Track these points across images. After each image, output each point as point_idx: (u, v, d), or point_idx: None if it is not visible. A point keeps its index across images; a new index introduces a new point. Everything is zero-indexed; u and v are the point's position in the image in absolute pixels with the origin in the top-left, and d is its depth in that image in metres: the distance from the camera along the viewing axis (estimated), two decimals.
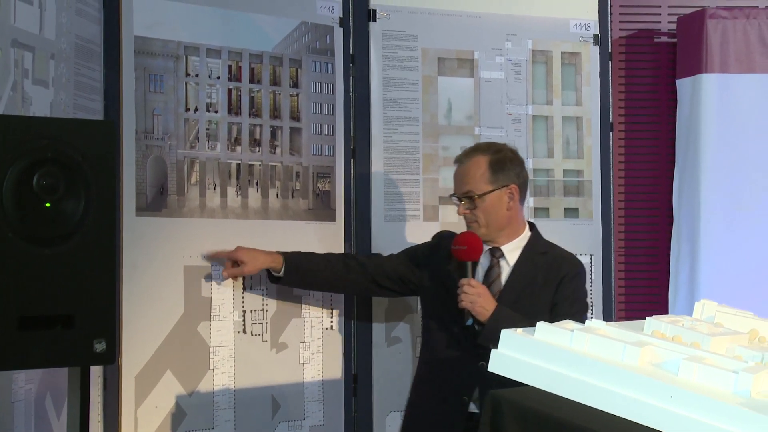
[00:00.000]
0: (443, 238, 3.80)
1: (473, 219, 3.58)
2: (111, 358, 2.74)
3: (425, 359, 3.81)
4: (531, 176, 4.48)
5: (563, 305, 3.52)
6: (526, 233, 3.66)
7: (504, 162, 3.60)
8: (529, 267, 3.58)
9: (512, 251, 3.62)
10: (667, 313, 4.67)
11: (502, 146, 3.69)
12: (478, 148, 3.67)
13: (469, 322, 3.48)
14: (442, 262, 3.69)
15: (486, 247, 3.61)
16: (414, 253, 3.91)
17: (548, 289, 3.57)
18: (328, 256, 3.98)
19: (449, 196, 3.72)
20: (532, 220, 3.87)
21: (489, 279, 3.60)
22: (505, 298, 3.50)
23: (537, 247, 3.65)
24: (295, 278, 3.91)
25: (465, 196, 3.58)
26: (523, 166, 3.68)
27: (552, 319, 3.57)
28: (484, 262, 3.64)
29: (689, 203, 4.68)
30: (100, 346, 2.68)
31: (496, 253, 3.62)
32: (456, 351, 3.60)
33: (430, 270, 3.76)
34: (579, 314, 3.60)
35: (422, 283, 3.80)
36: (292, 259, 3.87)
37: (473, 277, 3.53)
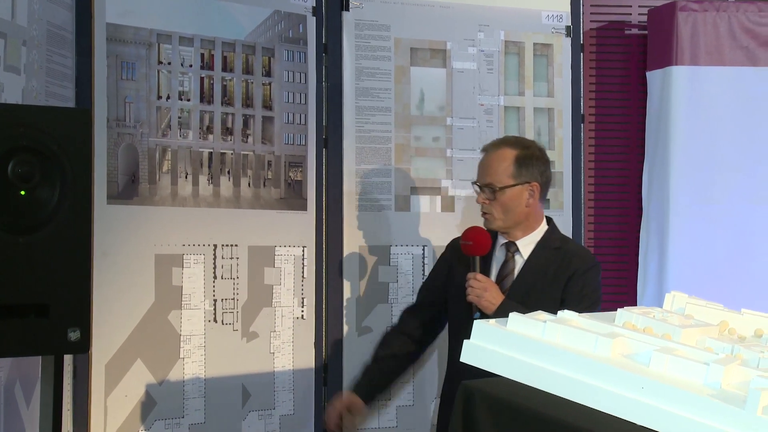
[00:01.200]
0: (454, 247, 3.78)
1: (489, 210, 3.56)
2: (85, 347, 2.74)
3: (449, 355, 3.75)
4: None
5: (570, 302, 3.43)
6: (542, 228, 3.62)
7: (530, 159, 3.55)
8: (541, 261, 3.55)
9: (527, 246, 3.58)
10: (636, 304, 4.69)
11: (530, 143, 3.65)
12: (506, 141, 3.62)
13: (477, 315, 3.47)
14: (458, 266, 3.68)
15: (502, 241, 3.61)
16: (434, 277, 3.83)
17: (557, 284, 3.53)
18: (388, 358, 3.75)
19: (471, 183, 3.63)
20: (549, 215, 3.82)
21: (503, 273, 3.58)
22: (514, 292, 3.48)
23: (551, 241, 3.60)
24: (382, 395, 3.91)
25: (486, 187, 3.56)
26: (548, 165, 3.62)
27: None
28: (499, 256, 3.63)
29: (658, 195, 4.70)
30: (74, 335, 2.67)
31: (511, 248, 3.60)
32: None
33: (453, 277, 3.69)
34: (587, 311, 3.59)
35: (449, 292, 3.73)
36: (368, 391, 3.73)
37: (481, 271, 3.52)
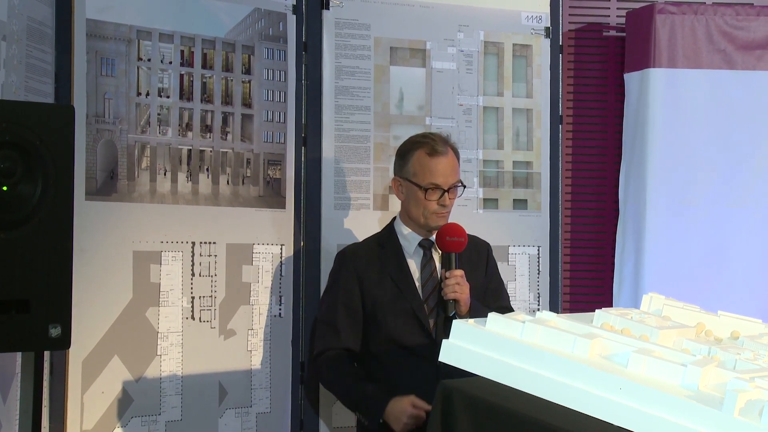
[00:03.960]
0: (356, 254, 3.78)
1: (448, 210, 3.61)
2: (66, 343, 2.73)
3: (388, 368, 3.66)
4: (481, 167, 4.54)
5: (497, 288, 3.78)
6: None
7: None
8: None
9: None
10: (612, 305, 4.72)
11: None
12: (444, 139, 3.68)
13: (452, 313, 3.48)
14: (378, 273, 3.69)
15: (416, 240, 3.66)
16: (347, 293, 3.73)
17: (478, 271, 3.72)
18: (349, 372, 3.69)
19: (431, 187, 3.58)
20: None
21: (428, 271, 3.63)
22: None
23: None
24: None
25: (456, 186, 3.62)
26: None
27: (492, 298, 3.68)
28: (417, 254, 3.67)
29: (635, 197, 4.72)
30: (55, 331, 2.67)
31: (425, 244, 3.66)
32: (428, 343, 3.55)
33: (376, 282, 3.68)
34: (506, 291, 3.90)
35: (372, 299, 3.68)
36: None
37: (406, 271, 3.60)
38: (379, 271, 3.67)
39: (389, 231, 3.75)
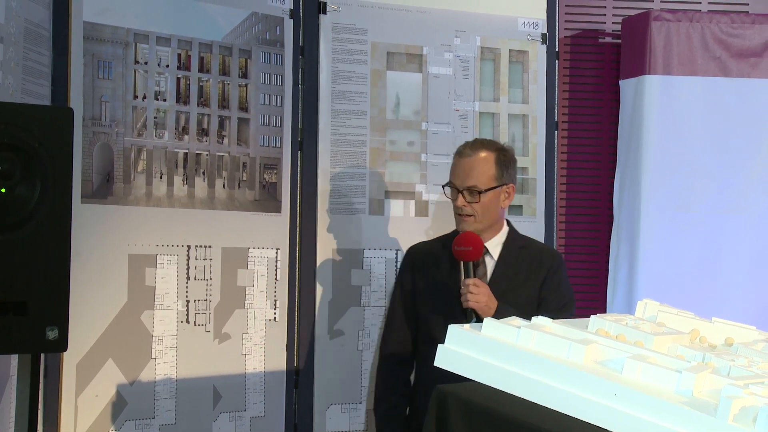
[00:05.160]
0: (418, 251, 3.82)
1: (470, 213, 3.58)
2: (63, 346, 2.73)
3: (425, 365, 3.69)
4: None
5: (551, 300, 3.58)
6: (505, 228, 3.71)
7: (509, 161, 3.64)
8: (512, 261, 3.62)
9: (495, 247, 3.64)
10: (605, 311, 4.72)
11: (505, 145, 3.73)
12: (485, 144, 3.66)
13: (474, 320, 3.47)
14: (432, 271, 3.71)
15: None
16: (402, 292, 3.83)
17: (532, 283, 3.62)
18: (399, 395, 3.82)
19: (444, 185, 3.66)
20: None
21: (476, 275, 3.61)
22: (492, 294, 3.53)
23: (516, 241, 3.69)
24: None
25: (469, 190, 3.58)
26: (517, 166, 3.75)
27: (541, 312, 3.63)
28: None
29: (630, 203, 4.73)
30: (52, 334, 2.67)
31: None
32: None
33: (425, 284, 3.73)
34: (568, 306, 3.67)
35: (421, 301, 3.75)
36: None
37: (455, 275, 3.54)
38: (434, 271, 3.67)
39: (455, 233, 3.72)
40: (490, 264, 3.63)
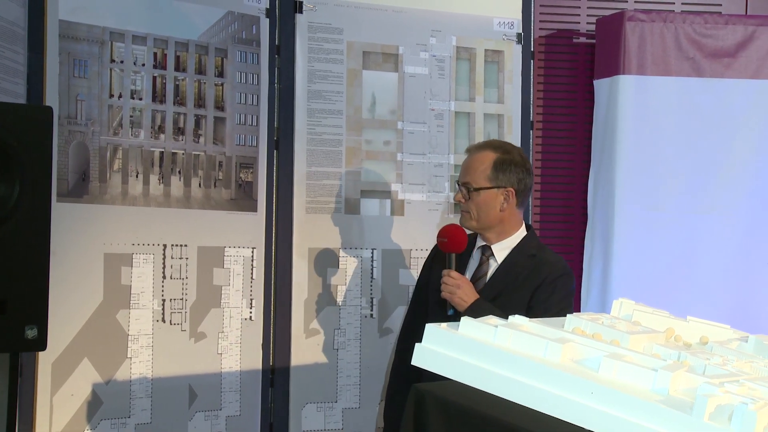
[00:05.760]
0: (436, 247, 3.82)
1: (466, 209, 3.60)
2: (42, 345, 2.72)
3: (405, 348, 3.72)
4: (453, 172, 4.55)
5: (537, 309, 3.45)
6: (520, 234, 3.64)
7: (509, 164, 3.57)
8: (513, 267, 3.58)
9: (502, 251, 3.61)
10: (579, 310, 4.74)
11: (514, 149, 3.68)
12: (490, 144, 3.67)
13: (450, 312, 3.49)
14: (436, 266, 3.72)
15: (479, 243, 3.64)
16: (417, 286, 3.91)
17: (525, 290, 3.54)
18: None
19: (457, 181, 3.69)
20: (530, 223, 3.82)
21: (477, 275, 3.60)
22: (485, 295, 3.49)
23: (527, 249, 3.62)
24: None
25: (464, 185, 3.59)
26: (528, 173, 3.64)
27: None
28: (475, 257, 3.66)
29: (604, 203, 4.75)
30: (31, 333, 2.66)
31: (486, 252, 3.63)
32: None
33: (435, 278, 3.68)
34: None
35: (429, 287, 3.77)
36: None
37: (456, 269, 3.54)
38: (443, 266, 3.67)
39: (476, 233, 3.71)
40: (492, 267, 3.63)
